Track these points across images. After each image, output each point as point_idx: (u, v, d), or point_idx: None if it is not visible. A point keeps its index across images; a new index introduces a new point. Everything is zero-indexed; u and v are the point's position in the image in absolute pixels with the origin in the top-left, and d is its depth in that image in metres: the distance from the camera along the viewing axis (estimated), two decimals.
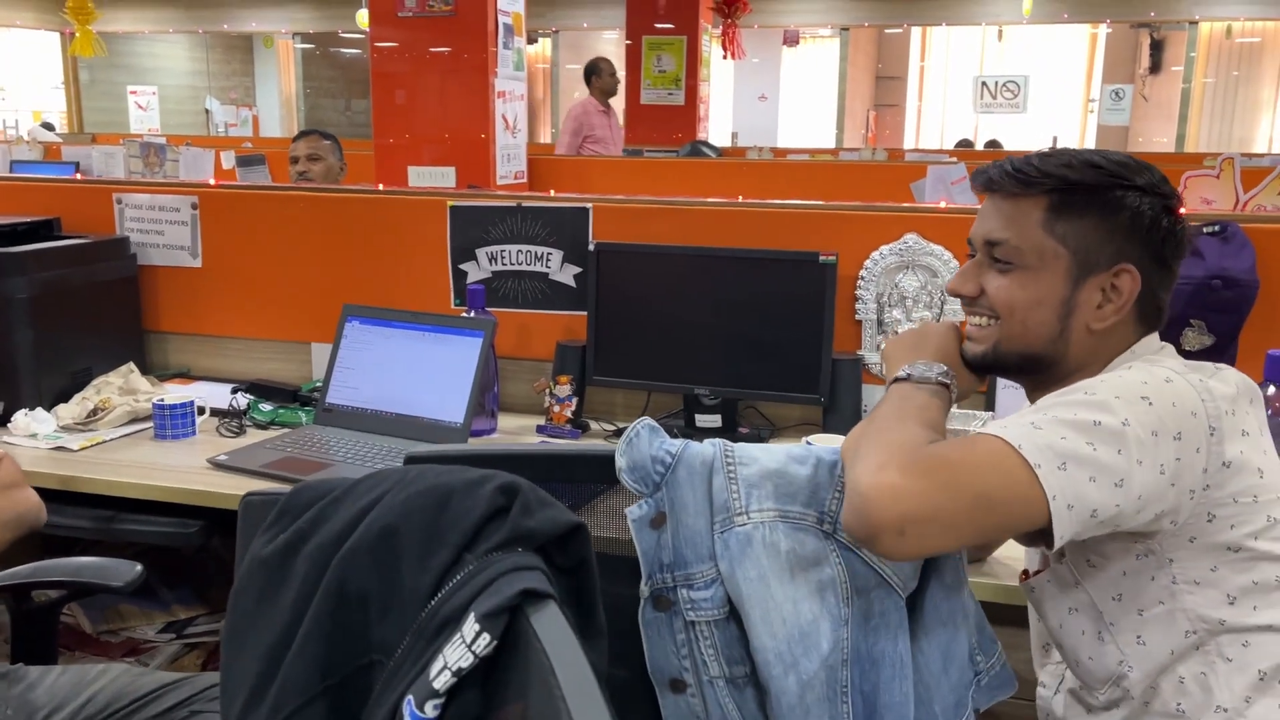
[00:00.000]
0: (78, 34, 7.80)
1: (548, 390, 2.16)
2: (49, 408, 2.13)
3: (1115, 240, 1.15)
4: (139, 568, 1.69)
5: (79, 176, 4.07)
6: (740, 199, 2.41)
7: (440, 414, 2.06)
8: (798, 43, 12.35)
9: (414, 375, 2.10)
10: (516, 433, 2.18)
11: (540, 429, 2.16)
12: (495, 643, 0.72)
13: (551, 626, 0.70)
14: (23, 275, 2.11)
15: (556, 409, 2.14)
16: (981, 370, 1.24)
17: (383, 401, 2.12)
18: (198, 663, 2.18)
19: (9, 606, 1.73)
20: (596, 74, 6.61)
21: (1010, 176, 1.18)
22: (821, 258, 2.05)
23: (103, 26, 10.10)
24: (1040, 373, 1.21)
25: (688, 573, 1.06)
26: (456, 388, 2.05)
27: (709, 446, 1.07)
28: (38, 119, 11.54)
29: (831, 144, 10.69)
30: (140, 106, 11.72)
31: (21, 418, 2.07)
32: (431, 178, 4.65)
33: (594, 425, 2.20)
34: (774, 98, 12.51)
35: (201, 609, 2.21)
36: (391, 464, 1.90)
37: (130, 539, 1.90)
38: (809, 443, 1.70)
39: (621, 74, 8.06)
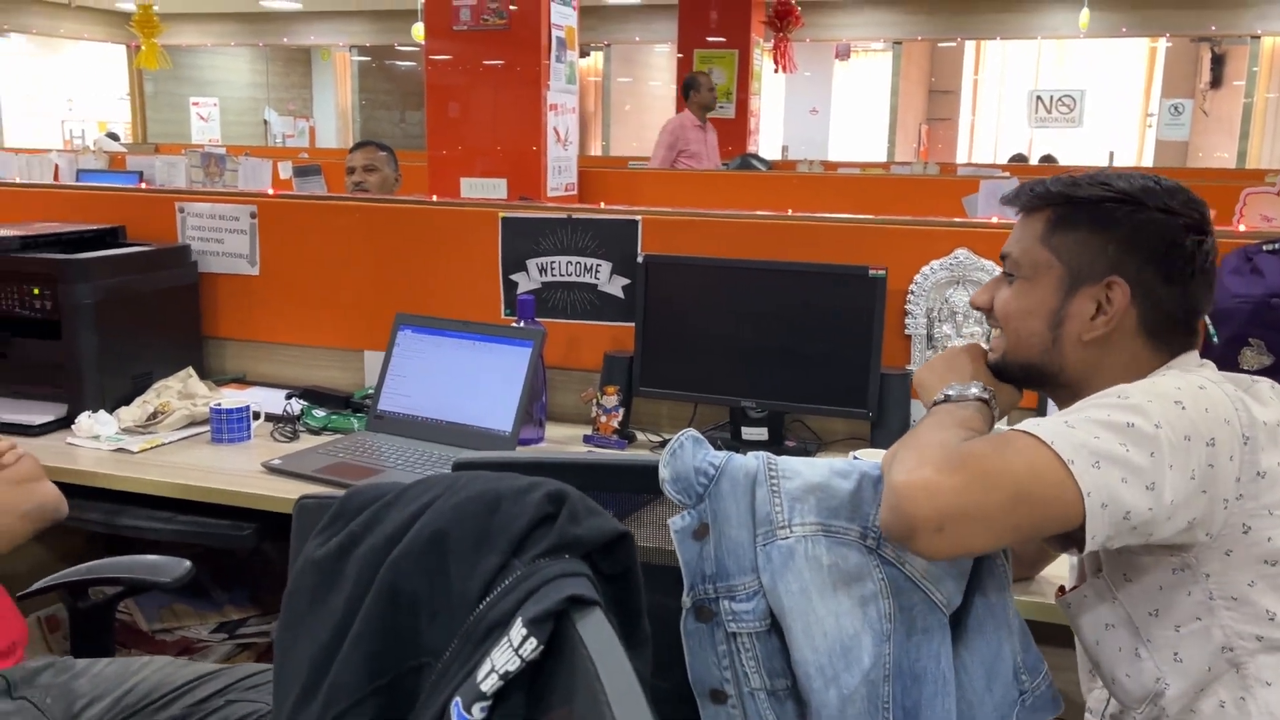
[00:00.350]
0: (143, 47, 8.00)
1: (595, 400, 2.18)
2: (111, 410, 2.19)
3: (1108, 253, 1.17)
4: (188, 565, 1.74)
5: (143, 185, 4.17)
6: (790, 212, 2.41)
7: (489, 422, 2.08)
8: (849, 56, 12.31)
9: (464, 384, 2.13)
10: (563, 442, 2.20)
11: (587, 439, 2.18)
12: (541, 647, 0.73)
13: (597, 633, 0.71)
14: (88, 282, 2.18)
15: (603, 419, 2.16)
16: (1003, 380, 1.26)
17: (433, 409, 2.15)
18: (249, 661, 2.22)
19: (67, 603, 1.78)
20: (695, 89, 6.53)
21: (1024, 194, 1.24)
22: (871, 272, 2.05)
23: (167, 39, 10.34)
24: (1045, 384, 1.24)
25: (729, 584, 1.06)
26: (505, 397, 2.08)
27: (752, 459, 1.08)
28: (103, 129, 11.85)
29: (883, 158, 10.63)
30: (201, 118, 12.01)
31: (85, 419, 2.13)
32: (483, 189, 4.71)
33: (640, 436, 2.22)
34: (825, 111, 12.48)
35: (253, 610, 2.26)
36: (441, 470, 1.93)
37: (186, 540, 1.95)
38: (856, 457, 1.70)
39: (672, 88, 8.07)
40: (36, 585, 1.73)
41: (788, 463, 1.07)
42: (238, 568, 2.28)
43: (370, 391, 2.31)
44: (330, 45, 13.50)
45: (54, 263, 2.16)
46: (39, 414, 2.15)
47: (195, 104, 12.42)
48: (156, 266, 2.44)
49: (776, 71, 8.98)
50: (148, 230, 2.60)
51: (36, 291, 2.13)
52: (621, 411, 2.17)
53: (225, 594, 2.26)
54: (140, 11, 7.80)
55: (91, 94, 12.89)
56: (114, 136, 10.85)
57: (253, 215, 2.54)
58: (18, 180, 4.57)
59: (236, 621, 2.23)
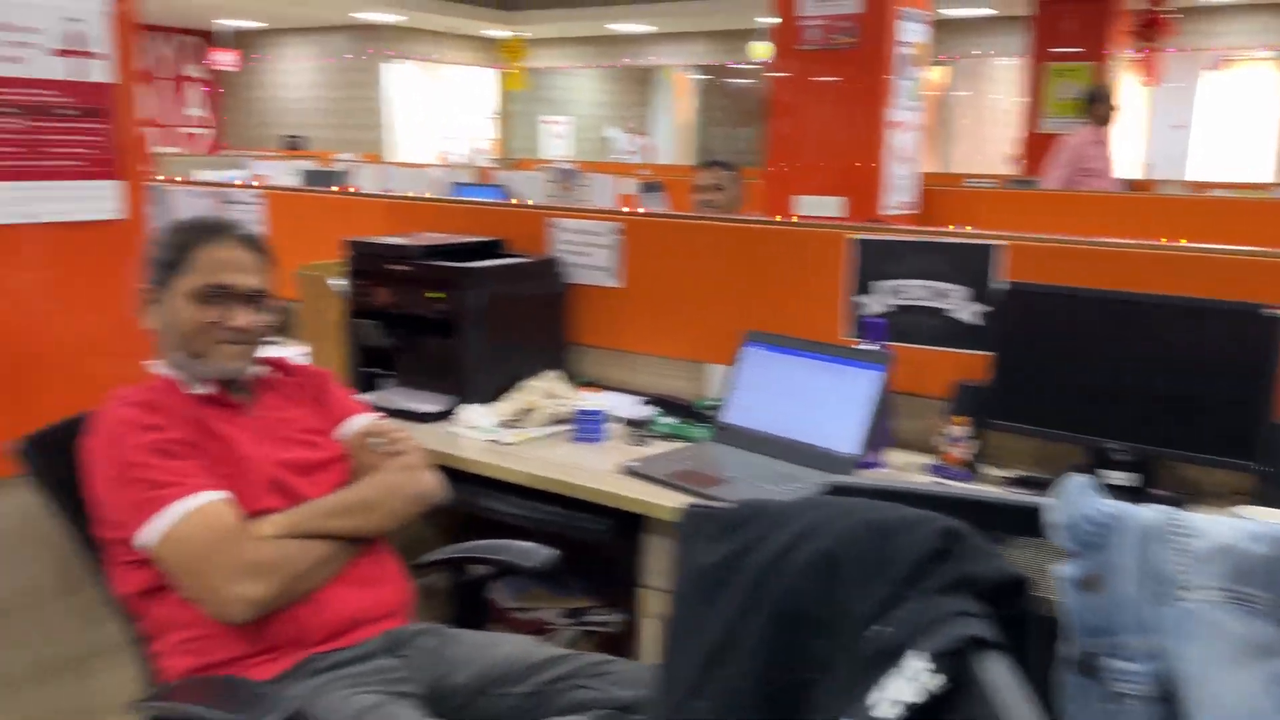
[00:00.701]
0: (510, 71, 8.75)
1: (942, 430, 2.13)
2: (488, 404, 2.42)
3: None
4: (551, 552, 1.89)
5: (530, 201, 4.53)
6: (1165, 241, 2.23)
7: (832, 443, 2.10)
8: (1223, 66, 11.13)
9: (808, 403, 2.16)
10: (904, 469, 2.17)
11: (932, 469, 2.13)
12: (947, 684, 0.74)
13: (1002, 679, 0.71)
14: (478, 288, 2.42)
15: (950, 449, 2.11)
16: None
17: (776, 425, 2.19)
18: (590, 648, 2.38)
19: (449, 577, 2.00)
20: (1099, 100, 6.07)
21: None
22: (1264, 311, 1.86)
23: (530, 64, 11.29)
24: None
25: (1119, 641, 1.01)
26: (850, 419, 2.08)
27: (1151, 512, 1.02)
28: (474, 147, 13.07)
29: (1258, 177, 9.51)
30: (556, 135, 12.95)
31: (467, 411, 2.37)
32: (819, 206, 4.72)
33: (988, 470, 2.14)
34: (1189, 126, 11.36)
35: (598, 600, 2.41)
36: (783, 487, 1.97)
37: (548, 528, 2.11)
38: (1241, 515, 1.55)
39: (1017, 100, 7.65)
40: (426, 558, 1.95)
41: (1192, 520, 1.00)
42: (589, 558, 2.44)
43: (712, 402, 2.41)
44: (671, 65, 14.10)
45: (451, 270, 2.42)
46: (431, 404, 2.42)
47: (546, 122, 13.43)
48: (531, 277, 2.67)
49: (1144, 84, 8.31)
50: (522, 242, 2.85)
51: (436, 295, 2.41)
52: (970, 443, 2.10)
53: (577, 582, 2.43)
54: (511, 39, 8.54)
55: (462, 113, 14.29)
56: (479, 153, 11.95)
57: (617, 231, 2.71)
58: (418, 194, 5.12)
59: (583, 609, 2.40)
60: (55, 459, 1.66)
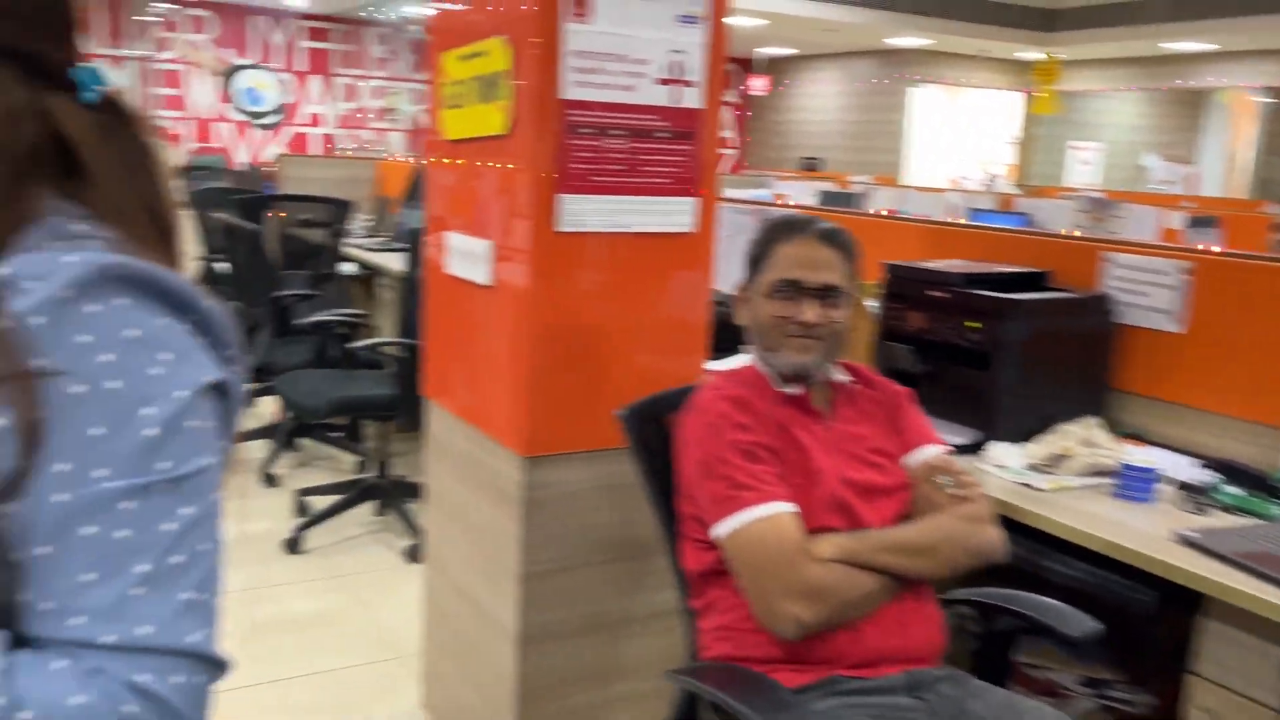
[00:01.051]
0: (1040, 94, 8.32)
1: None
2: (1018, 444, 2.29)
3: None
4: (1095, 625, 1.71)
5: (1065, 232, 4.27)
6: None
7: None
8: None
9: None
10: None
11: None
12: None
13: None
14: (1020, 321, 2.30)
15: None
16: None
17: None
18: None
19: (977, 621, 1.90)
20: None
21: None
22: None
23: (1062, 86, 10.60)
24: None
25: None
26: None
27: None
28: (989, 170, 12.66)
29: None
30: (1081, 162, 12.08)
31: (996, 449, 2.26)
32: None
33: None
34: None
35: (1124, 675, 2.18)
36: None
37: (1079, 587, 1.94)
38: None
39: None
40: (952, 595, 1.87)
41: None
42: (1119, 628, 2.22)
43: None
44: (1234, 87, 12.47)
45: (994, 300, 2.33)
46: (957, 436, 2.34)
47: (1074, 148, 12.54)
48: (1076, 313, 2.48)
49: None
50: (1063, 275, 2.66)
51: (974, 325, 2.33)
52: None
53: (1099, 650, 2.21)
54: (1046, 61, 8.13)
55: (979, 137, 13.88)
56: (995, 178, 11.51)
57: (1185, 271, 2.43)
58: (950, 220, 5.06)
59: (1104, 681, 2.18)
60: (647, 429, 1.83)
